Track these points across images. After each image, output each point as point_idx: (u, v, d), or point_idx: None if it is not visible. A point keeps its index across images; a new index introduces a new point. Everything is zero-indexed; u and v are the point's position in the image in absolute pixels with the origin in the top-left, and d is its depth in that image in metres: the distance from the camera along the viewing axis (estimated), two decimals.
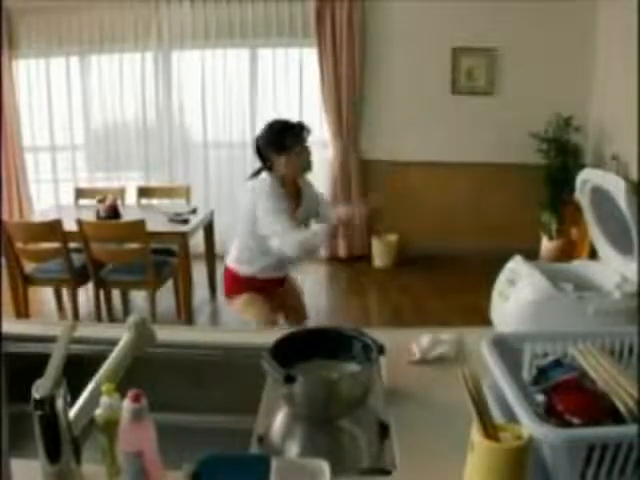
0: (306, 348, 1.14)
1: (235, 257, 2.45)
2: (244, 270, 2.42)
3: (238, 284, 2.45)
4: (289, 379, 1.00)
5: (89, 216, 3.64)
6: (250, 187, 2.35)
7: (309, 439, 1.05)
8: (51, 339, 0.91)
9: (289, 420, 1.07)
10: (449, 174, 5.11)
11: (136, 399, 0.85)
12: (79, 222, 3.32)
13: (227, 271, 2.50)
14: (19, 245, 3.49)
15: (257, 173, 2.40)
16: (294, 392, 1.02)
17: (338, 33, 4.82)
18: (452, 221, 5.18)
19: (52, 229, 3.36)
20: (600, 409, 0.89)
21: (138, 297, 4.15)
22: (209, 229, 4.27)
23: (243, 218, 2.36)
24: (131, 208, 4.14)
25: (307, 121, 2.35)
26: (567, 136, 4.60)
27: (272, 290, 2.51)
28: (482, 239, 5.04)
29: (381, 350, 1.11)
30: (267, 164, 2.34)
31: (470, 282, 4.13)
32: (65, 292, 3.96)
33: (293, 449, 1.03)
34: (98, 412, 0.92)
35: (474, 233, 5.13)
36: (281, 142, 2.26)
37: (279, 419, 1.08)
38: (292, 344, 1.13)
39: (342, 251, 5.17)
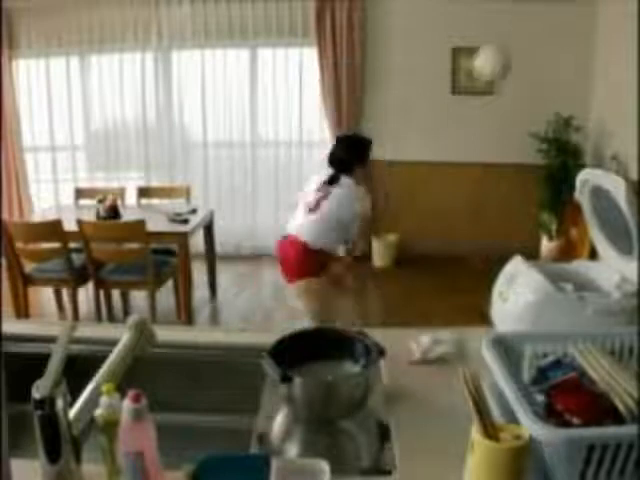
0: (307, 349, 1.14)
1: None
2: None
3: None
4: (285, 379, 1.00)
5: (89, 216, 3.63)
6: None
7: (309, 440, 1.05)
8: (51, 339, 0.91)
9: (289, 421, 1.07)
10: (449, 174, 5.11)
11: (136, 399, 0.85)
12: (79, 222, 3.32)
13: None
14: (19, 245, 3.49)
15: (335, 179, 2.79)
16: (293, 393, 1.02)
17: (338, 33, 4.82)
18: (452, 221, 5.18)
19: (52, 229, 3.36)
20: (600, 409, 0.89)
21: (138, 297, 4.15)
22: (209, 229, 4.27)
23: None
24: (131, 208, 4.14)
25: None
26: (567, 136, 4.60)
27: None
28: (482, 239, 5.04)
29: (381, 352, 1.11)
30: (349, 172, 2.78)
31: (470, 282, 4.13)
32: (65, 292, 3.96)
33: (293, 450, 1.03)
34: (98, 412, 0.92)
35: (474, 233, 5.13)
36: (366, 156, 2.88)
37: (279, 420, 1.08)
38: (293, 345, 1.13)
39: (342, 251, 5.16)
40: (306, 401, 1.03)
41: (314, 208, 2.75)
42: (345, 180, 2.76)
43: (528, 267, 1.58)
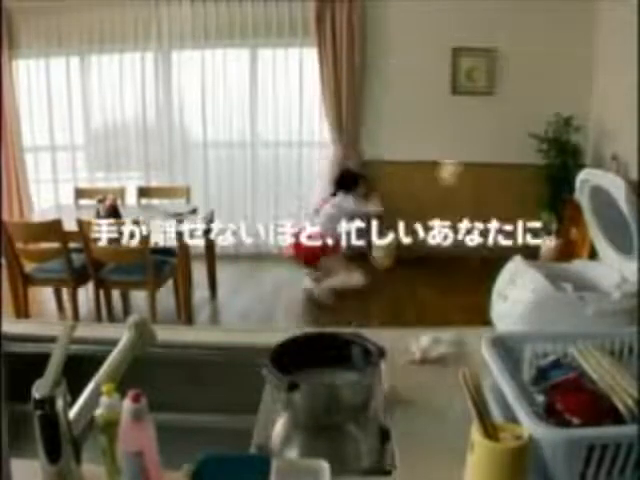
0: (306, 353, 1.13)
1: None
2: None
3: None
4: (292, 387, 0.99)
5: (89, 216, 3.63)
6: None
7: (308, 440, 1.04)
8: (51, 339, 0.91)
9: (289, 427, 1.06)
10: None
11: (136, 399, 0.85)
12: (79, 222, 3.32)
13: None
14: (19, 245, 3.49)
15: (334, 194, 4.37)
16: (295, 399, 1.01)
17: (338, 33, 4.82)
18: (452, 221, 5.17)
19: (52, 229, 3.36)
20: (600, 409, 0.89)
21: (138, 297, 4.15)
22: (209, 229, 4.25)
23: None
24: (131, 208, 4.14)
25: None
26: (567, 136, 4.60)
27: None
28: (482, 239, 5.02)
29: (381, 354, 1.11)
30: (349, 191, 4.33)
31: (470, 282, 4.12)
32: (65, 292, 3.96)
33: (293, 450, 1.02)
34: (98, 412, 0.92)
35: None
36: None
37: (279, 426, 1.08)
38: (292, 349, 1.12)
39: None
40: (307, 407, 1.03)
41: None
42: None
43: (528, 267, 1.58)
